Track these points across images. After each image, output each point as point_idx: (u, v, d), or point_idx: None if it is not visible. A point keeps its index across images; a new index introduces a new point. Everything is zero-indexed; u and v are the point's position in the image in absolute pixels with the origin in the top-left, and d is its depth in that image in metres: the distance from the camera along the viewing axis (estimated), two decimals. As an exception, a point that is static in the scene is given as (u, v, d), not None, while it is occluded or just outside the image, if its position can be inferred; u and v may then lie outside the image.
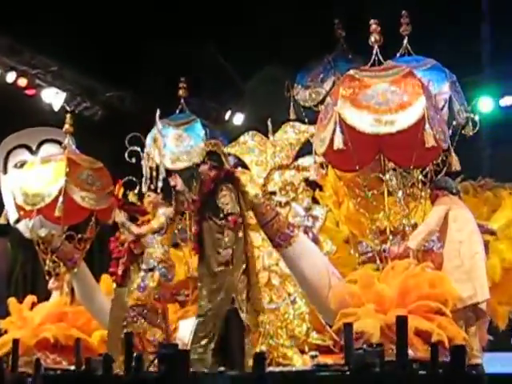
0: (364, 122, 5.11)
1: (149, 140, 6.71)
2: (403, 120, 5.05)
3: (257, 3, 8.63)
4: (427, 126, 4.96)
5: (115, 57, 9.41)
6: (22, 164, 8.76)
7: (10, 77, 9.50)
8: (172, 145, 7.06)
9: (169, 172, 5.96)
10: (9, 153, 9.64)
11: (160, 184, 5.78)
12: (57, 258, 7.14)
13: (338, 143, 5.08)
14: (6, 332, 7.08)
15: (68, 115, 7.80)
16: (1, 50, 9.36)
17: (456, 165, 5.62)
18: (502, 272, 5.67)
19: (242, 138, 6.79)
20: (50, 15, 8.79)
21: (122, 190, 6.39)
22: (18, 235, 8.59)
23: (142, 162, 6.23)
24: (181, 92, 7.44)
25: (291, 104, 7.01)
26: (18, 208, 7.37)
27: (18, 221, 8.14)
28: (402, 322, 4.39)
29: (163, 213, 5.92)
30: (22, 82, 9.68)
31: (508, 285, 5.73)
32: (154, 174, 5.84)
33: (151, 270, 5.91)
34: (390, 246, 5.40)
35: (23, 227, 8.15)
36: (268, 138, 6.70)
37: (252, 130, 6.82)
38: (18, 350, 5.92)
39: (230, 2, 8.72)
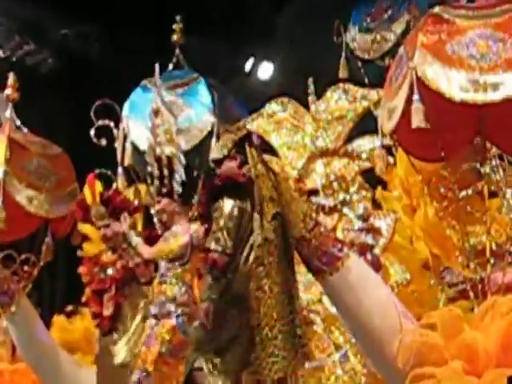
0: (454, 84, 5.40)
1: (127, 110, 7.35)
2: None
3: None
4: None
5: None
6: None
7: None
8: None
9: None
10: None
11: (176, 185, 6.23)
12: None
13: (416, 118, 5.39)
14: None
15: (11, 75, 8.27)
16: None
17: None
18: None
19: (267, 108, 7.40)
20: None
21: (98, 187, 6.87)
22: None
23: (116, 144, 6.97)
24: (175, 37, 7.96)
25: (342, 56, 7.55)
26: None
27: None
28: None
29: (184, 231, 6.33)
30: None
31: None
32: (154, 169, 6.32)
33: (164, 315, 6.33)
34: (491, 273, 5.76)
35: None
36: (308, 108, 7.26)
37: (283, 96, 7.33)
38: None
39: None
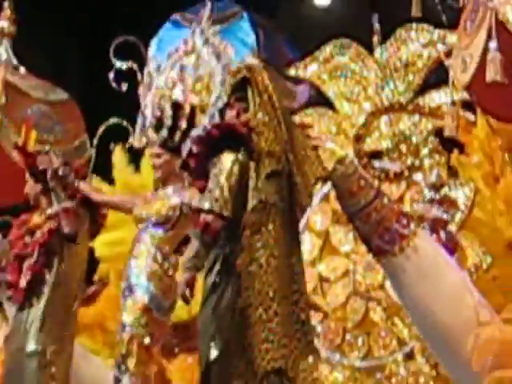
0: None
1: (154, 49, 7.78)
2: None
3: None
4: None
5: None
6: None
7: None
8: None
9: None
10: None
11: (179, 135, 6.80)
12: None
13: (492, 70, 5.88)
14: None
15: (6, 3, 8.75)
16: None
17: None
18: None
19: (323, 52, 8.02)
20: None
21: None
22: None
23: (140, 91, 7.42)
24: None
25: None
26: None
27: None
28: None
29: (177, 191, 6.85)
30: None
31: None
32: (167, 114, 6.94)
33: (131, 290, 6.86)
34: None
35: None
36: (372, 51, 7.65)
37: (342, 36, 7.79)
38: None
39: None
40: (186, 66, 7.21)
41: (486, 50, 5.97)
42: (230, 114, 6.25)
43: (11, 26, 8.84)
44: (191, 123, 6.83)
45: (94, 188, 7.40)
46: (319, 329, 7.97)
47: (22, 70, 8.78)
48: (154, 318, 6.79)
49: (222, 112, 6.52)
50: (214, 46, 7.82)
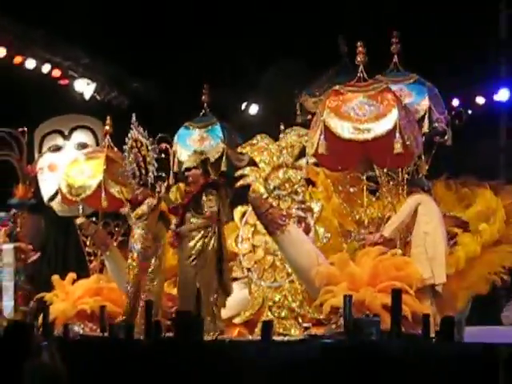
0: (344, 129, 6.59)
1: (176, 139, 8.48)
2: (378, 129, 6.55)
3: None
4: (397, 135, 6.43)
5: (142, 51, 11.06)
6: (57, 148, 10.63)
7: (46, 68, 11.25)
8: (196, 145, 8.52)
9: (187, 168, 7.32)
10: (43, 137, 11.11)
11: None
12: (92, 242, 8.80)
13: (321, 148, 6.58)
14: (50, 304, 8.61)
15: (108, 117, 9.24)
16: (37, 43, 11.12)
17: (423, 169, 7.14)
18: (466, 261, 7.08)
19: (254, 140, 8.17)
20: (82, 12, 10.65)
21: None
22: (51, 213, 10.19)
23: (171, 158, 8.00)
24: (204, 97, 8.85)
25: (298, 110, 8.37)
26: (63, 197, 9.02)
27: (51, 199, 9.80)
28: (396, 294, 5.75)
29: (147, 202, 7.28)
30: (56, 73, 11.41)
31: (469, 272, 7.12)
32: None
33: (132, 250, 7.37)
34: (367, 234, 6.89)
35: (56, 205, 9.71)
36: (278, 139, 8.01)
37: (262, 132, 8.16)
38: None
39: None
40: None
41: (319, 140, 6.73)
42: (197, 173, 7.15)
43: (110, 128, 9.22)
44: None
45: None
46: (254, 268, 7.97)
47: (115, 149, 9.05)
48: None
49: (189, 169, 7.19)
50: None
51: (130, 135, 7.54)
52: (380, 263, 6.55)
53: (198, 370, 5.87)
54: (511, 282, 7.42)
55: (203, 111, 8.91)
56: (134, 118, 7.54)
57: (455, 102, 9.71)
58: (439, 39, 9.47)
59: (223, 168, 8.51)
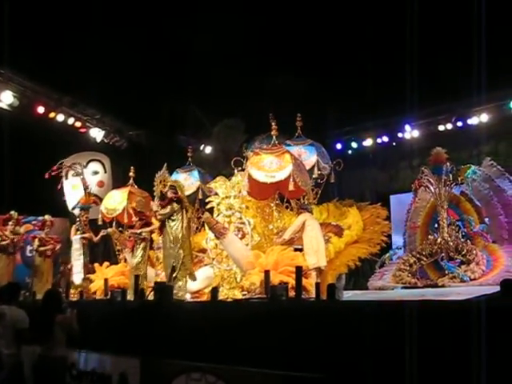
0: (261, 176, 9.54)
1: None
2: (279, 176, 9.46)
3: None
4: (291, 179, 9.41)
5: (135, 110, 14.15)
6: (77, 174, 12.86)
7: (70, 121, 14.94)
8: (183, 182, 10.97)
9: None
10: (69, 166, 13.10)
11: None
12: (118, 243, 11.76)
13: (245, 188, 9.60)
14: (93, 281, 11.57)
15: (131, 168, 12.39)
16: (65, 104, 14.82)
17: (310, 198, 10.22)
18: (334, 253, 10.01)
19: (217, 178, 10.52)
20: (94, 83, 13.20)
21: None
22: (74, 217, 12.61)
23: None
24: (189, 153, 12.13)
25: (243, 161, 10.46)
26: (102, 215, 12.03)
27: (73, 208, 12.59)
28: (298, 270, 7.52)
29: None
30: (78, 124, 15.09)
31: (335, 260, 10.05)
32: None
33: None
34: (276, 238, 9.62)
35: (77, 212, 12.41)
36: (230, 179, 10.30)
37: (220, 176, 10.70)
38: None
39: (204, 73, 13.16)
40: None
41: (245, 182, 9.44)
42: (170, 195, 9.31)
43: (133, 174, 12.41)
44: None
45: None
46: (216, 257, 9.80)
47: (135, 186, 12.25)
48: None
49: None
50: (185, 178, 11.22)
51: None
52: (280, 256, 8.98)
53: (167, 320, 7.39)
54: (369, 262, 10.50)
55: (188, 162, 12.30)
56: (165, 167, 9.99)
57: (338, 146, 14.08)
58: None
59: (200, 196, 11.77)
